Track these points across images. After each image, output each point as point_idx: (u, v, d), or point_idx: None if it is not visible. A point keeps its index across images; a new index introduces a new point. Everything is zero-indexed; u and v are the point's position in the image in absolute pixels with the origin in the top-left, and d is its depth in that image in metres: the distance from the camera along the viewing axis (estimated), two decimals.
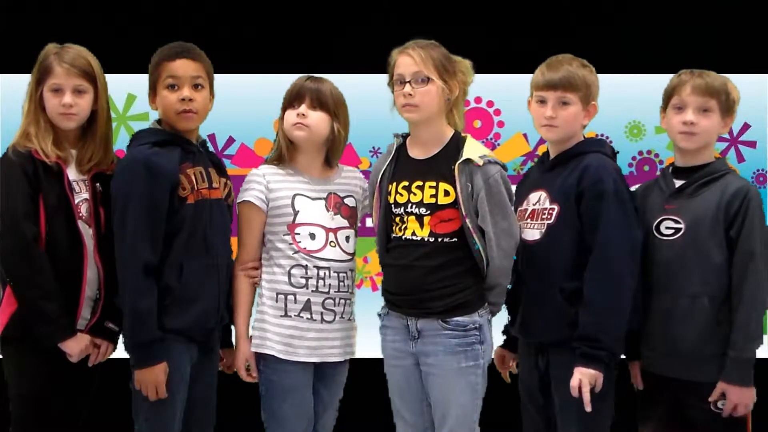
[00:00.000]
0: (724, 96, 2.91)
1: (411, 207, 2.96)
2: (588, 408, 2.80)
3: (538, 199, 2.98)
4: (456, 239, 2.93)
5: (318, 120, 3.03)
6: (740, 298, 2.79)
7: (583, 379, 2.81)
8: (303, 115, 3.01)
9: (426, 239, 2.94)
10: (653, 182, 3.04)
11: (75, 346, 2.89)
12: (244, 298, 3.05)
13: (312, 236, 3.04)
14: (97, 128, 3.00)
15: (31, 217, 2.85)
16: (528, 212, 3.01)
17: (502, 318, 3.14)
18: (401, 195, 2.99)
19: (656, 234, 2.91)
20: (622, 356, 2.95)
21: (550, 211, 2.94)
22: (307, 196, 3.05)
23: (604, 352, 2.80)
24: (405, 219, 2.97)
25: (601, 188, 2.85)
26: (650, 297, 2.90)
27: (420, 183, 2.97)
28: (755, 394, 2.81)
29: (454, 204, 2.92)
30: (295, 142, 3.05)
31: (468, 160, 2.92)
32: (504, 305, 3.07)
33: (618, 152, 3.04)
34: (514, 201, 3.03)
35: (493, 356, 3.07)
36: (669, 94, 2.97)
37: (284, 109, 3.06)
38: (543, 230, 2.94)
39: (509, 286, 3.03)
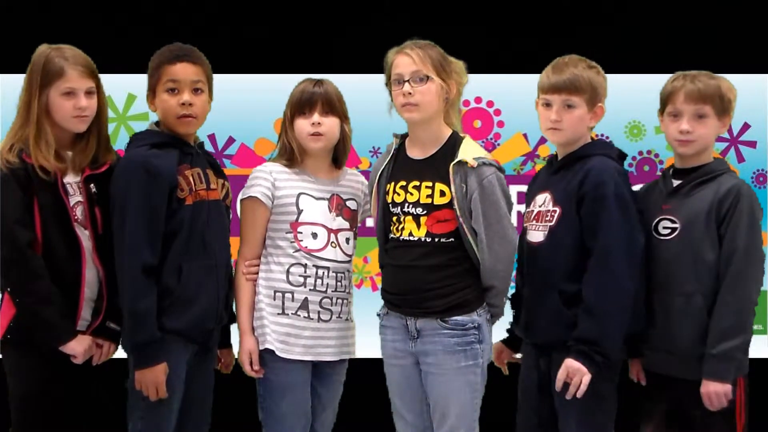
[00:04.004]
0: (718, 99, 2.90)
1: (408, 207, 2.97)
2: (558, 388, 2.81)
3: (544, 201, 2.97)
4: (453, 239, 2.94)
5: (331, 126, 3.04)
6: (719, 295, 2.80)
7: (571, 371, 2.79)
8: (318, 123, 3.02)
9: (423, 239, 2.95)
10: (654, 183, 3.05)
11: (78, 347, 2.88)
12: (246, 293, 3.05)
13: (314, 235, 3.04)
14: (100, 127, 2.98)
15: (26, 222, 2.82)
16: (534, 214, 2.99)
17: (506, 324, 3.14)
18: (398, 195, 2.99)
19: (654, 234, 2.91)
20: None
21: (552, 214, 2.92)
22: (312, 196, 3.06)
23: (600, 357, 2.78)
24: (402, 219, 2.98)
25: (602, 192, 2.83)
26: (651, 296, 2.90)
27: (417, 183, 2.97)
28: (730, 391, 2.79)
29: (450, 204, 2.92)
30: (309, 151, 3.06)
31: (462, 162, 2.92)
32: (509, 304, 3.09)
33: (627, 155, 3.01)
34: (525, 202, 3.04)
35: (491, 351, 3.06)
36: (664, 101, 2.97)
37: (293, 114, 3.06)
38: (546, 232, 2.93)
39: (512, 287, 3.04)
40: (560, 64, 2.96)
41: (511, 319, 3.15)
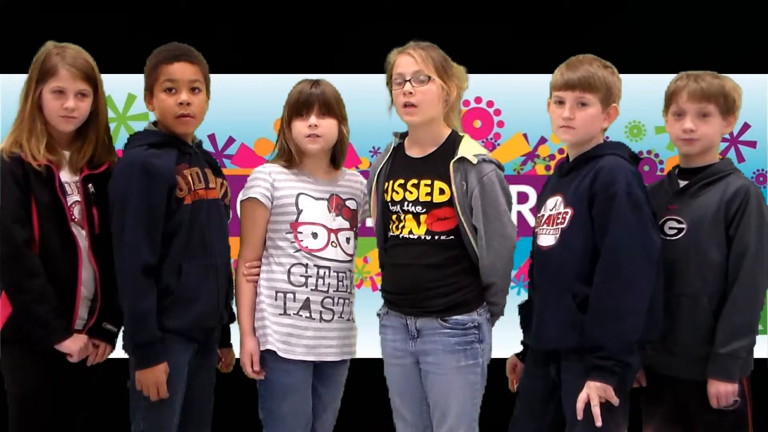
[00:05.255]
0: (722, 98, 2.89)
1: (407, 205, 2.96)
2: (598, 423, 2.68)
3: (555, 204, 2.90)
4: (453, 237, 2.93)
5: (329, 127, 3.04)
6: (730, 295, 2.80)
7: (591, 393, 2.70)
8: (315, 125, 3.02)
9: (423, 237, 2.94)
10: (659, 183, 3.03)
11: (73, 345, 2.89)
12: (247, 294, 3.05)
13: (314, 235, 3.04)
14: (98, 129, 2.99)
15: (23, 221, 2.83)
16: (544, 218, 2.92)
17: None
18: (397, 193, 2.99)
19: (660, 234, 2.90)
20: None
21: (564, 216, 2.84)
22: (311, 196, 3.06)
23: (610, 361, 2.68)
24: (402, 217, 2.98)
25: (613, 190, 2.74)
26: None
27: (415, 181, 2.97)
28: (737, 389, 2.79)
29: (450, 202, 2.92)
30: (307, 152, 3.06)
31: (463, 159, 2.92)
32: (519, 313, 3.05)
33: (640, 158, 2.94)
34: (536, 209, 3.01)
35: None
36: (668, 100, 2.95)
37: (290, 116, 3.05)
38: (557, 235, 2.85)
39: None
40: (574, 61, 2.90)
41: (521, 330, 3.06)
